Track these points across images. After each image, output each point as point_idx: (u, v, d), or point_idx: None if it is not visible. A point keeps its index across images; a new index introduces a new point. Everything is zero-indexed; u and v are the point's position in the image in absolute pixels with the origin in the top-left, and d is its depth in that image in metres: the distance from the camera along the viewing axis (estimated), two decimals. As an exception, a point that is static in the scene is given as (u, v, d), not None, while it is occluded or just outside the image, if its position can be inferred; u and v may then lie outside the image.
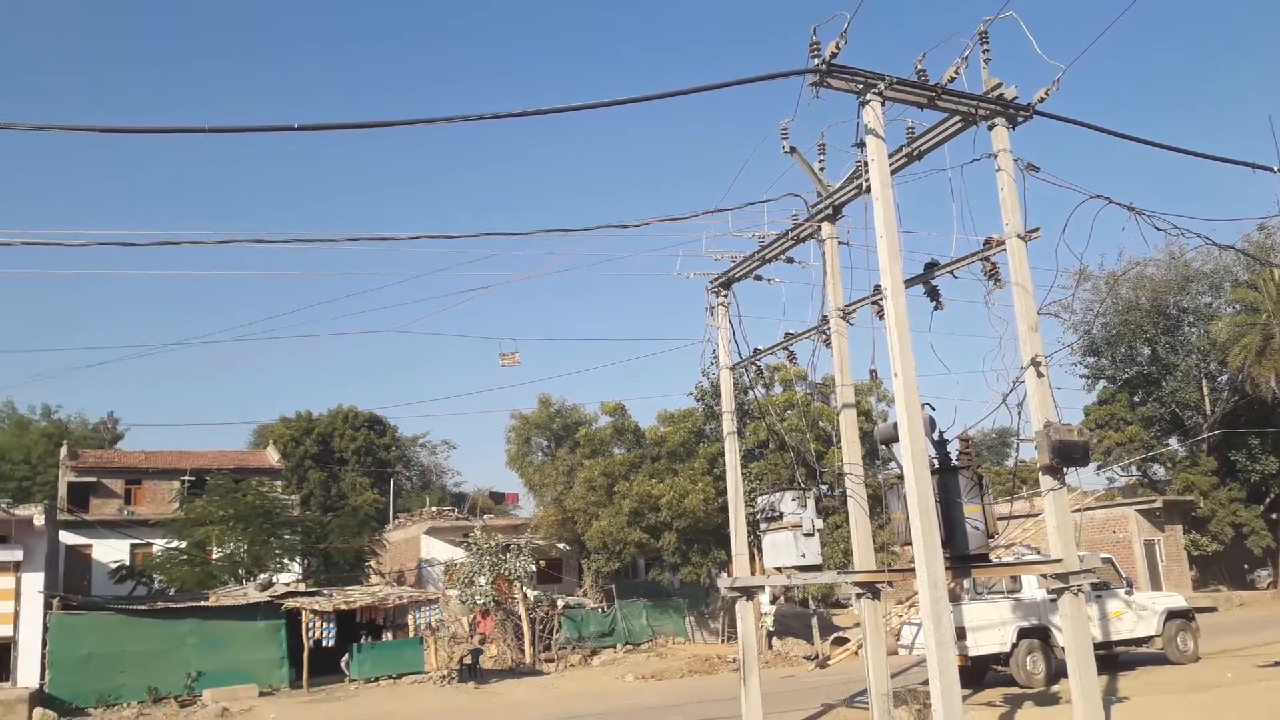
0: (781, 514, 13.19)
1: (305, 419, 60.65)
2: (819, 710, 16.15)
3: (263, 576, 28.81)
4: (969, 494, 11.36)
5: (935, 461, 11.49)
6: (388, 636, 26.64)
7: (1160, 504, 37.51)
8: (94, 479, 42.40)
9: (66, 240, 13.08)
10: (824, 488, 27.13)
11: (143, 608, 24.19)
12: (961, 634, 16.73)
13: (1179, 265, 41.39)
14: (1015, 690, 16.89)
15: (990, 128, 11.34)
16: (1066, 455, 10.82)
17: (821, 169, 13.35)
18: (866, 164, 10.69)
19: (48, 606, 22.28)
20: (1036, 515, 32.34)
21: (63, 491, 41.54)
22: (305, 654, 24.17)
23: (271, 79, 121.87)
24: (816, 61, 9.97)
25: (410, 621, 26.32)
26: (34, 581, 22.20)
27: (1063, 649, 12.12)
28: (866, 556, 13.06)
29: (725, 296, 15.96)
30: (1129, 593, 19.44)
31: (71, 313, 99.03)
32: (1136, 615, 19.02)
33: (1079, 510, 35.59)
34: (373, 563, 41.13)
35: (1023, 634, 17.81)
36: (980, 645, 17.56)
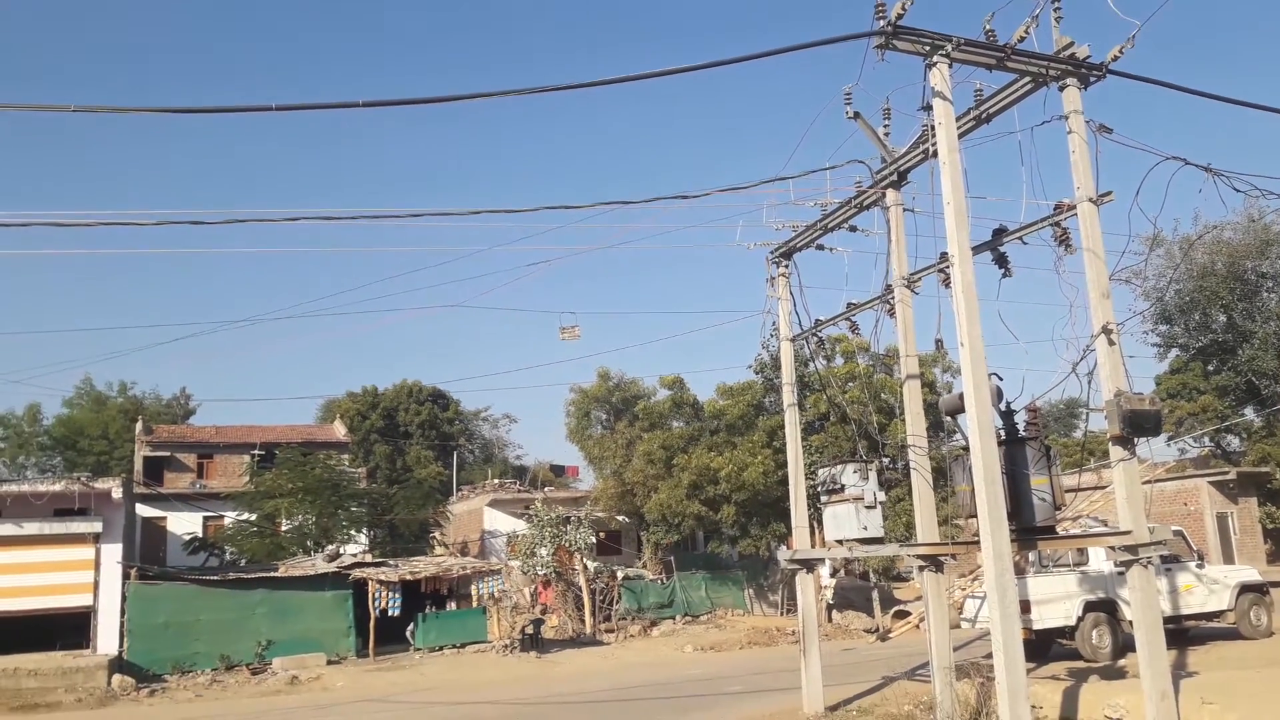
0: (843, 486, 13.09)
1: (371, 394, 61.69)
2: (880, 682, 16.06)
3: (330, 547, 29.33)
4: (1036, 465, 11.15)
5: (1002, 432, 11.28)
6: (452, 606, 27.06)
7: (1234, 475, 36.42)
8: (168, 453, 43.59)
9: (140, 220, 13.42)
10: (886, 460, 26.87)
11: (215, 578, 24.81)
12: (1026, 607, 16.49)
13: (1258, 228, 39.95)
14: (1080, 664, 16.61)
15: (1061, 89, 11.00)
16: (1137, 425, 10.53)
17: (886, 134, 13.08)
18: (933, 128, 10.44)
19: (125, 577, 22.94)
20: (1104, 487, 31.66)
21: (138, 465, 42.81)
22: (371, 623, 24.62)
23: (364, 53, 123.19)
24: (882, 23, 9.76)
25: (474, 592, 26.68)
26: (112, 552, 22.88)
27: (1130, 623, 11.88)
28: (930, 529, 12.90)
29: (786, 267, 15.77)
30: (1200, 566, 18.96)
31: (144, 291, 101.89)
32: (1208, 589, 18.55)
33: (1149, 482, 34.58)
34: (437, 534, 41.82)
35: (1089, 607, 17.50)
36: (1045, 618, 17.32)
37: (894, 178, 13.35)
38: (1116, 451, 10.79)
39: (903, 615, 28.19)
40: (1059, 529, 12.75)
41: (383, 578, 25.24)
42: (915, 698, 13.59)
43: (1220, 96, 11.66)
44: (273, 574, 25.49)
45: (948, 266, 10.65)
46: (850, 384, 29.41)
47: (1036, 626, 17.03)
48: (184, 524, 36.50)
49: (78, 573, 22.54)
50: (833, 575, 32.00)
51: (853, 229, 14.80)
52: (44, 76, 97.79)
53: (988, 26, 10.51)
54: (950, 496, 16.45)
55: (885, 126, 12.99)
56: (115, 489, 22.76)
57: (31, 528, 22.13)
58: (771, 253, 15.81)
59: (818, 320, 15.71)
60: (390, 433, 60.10)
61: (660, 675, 20.81)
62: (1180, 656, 15.58)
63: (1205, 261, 41.10)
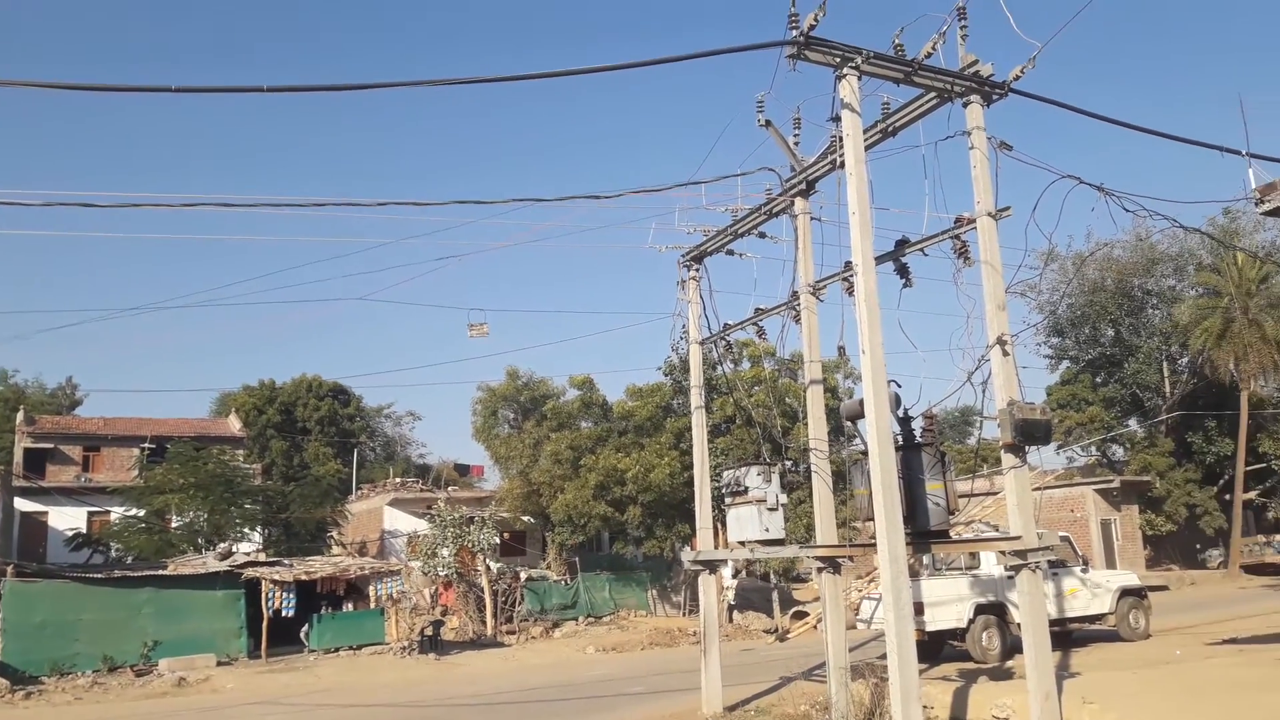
0: (746, 488, 13.22)
1: (268, 387, 59.87)
2: (778, 683, 16.25)
3: (222, 546, 28.54)
4: (931, 471, 11.43)
5: (899, 438, 11.53)
6: (349, 607, 26.47)
7: (1118, 484, 38.12)
8: (51, 445, 41.74)
9: (26, 200, 12.77)
10: (789, 463, 27.29)
11: (99, 576, 23.85)
12: (919, 609, 16.88)
13: (1145, 247, 41.93)
14: (971, 665, 17.08)
15: (965, 105, 11.29)
16: (1029, 434, 10.89)
17: (796, 143, 13.26)
18: (841, 139, 10.60)
19: (1, 574, 21.89)
20: (996, 493, 32.80)
21: (18, 458, 40.80)
22: (264, 624, 23.96)
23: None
24: (795, 33, 9.86)
25: (372, 593, 26.17)
26: (-13, 548, 21.82)
27: (1018, 625, 12.26)
28: (829, 531, 13.11)
29: (697, 270, 15.87)
30: (1084, 571, 19.69)
31: (30, 274, 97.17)
32: (1091, 593, 19.29)
33: (1038, 489, 36.04)
34: (335, 533, 40.92)
35: (980, 610, 18.02)
36: (938, 620, 17.75)
37: (803, 187, 13.52)
38: (1008, 459, 11.13)
39: (801, 616, 28.64)
40: (952, 533, 13.09)
41: (277, 577, 24.59)
42: (811, 698, 13.78)
43: (1112, 119, 12.12)
44: (161, 572, 24.58)
45: (852, 275, 10.83)
46: (756, 388, 29.79)
47: (929, 628, 17.42)
48: (67, 519, 35.07)
49: (-53, 570, 21.40)
50: (735, 576, 32.35)
51: (762, 235, 15.01)
52: None
53: (897, 41, 10.71)
54: (849, 499, 16.76)
55: (796, 136, 13.18)
56: (-9, 482, 21.69)
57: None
58: (683, 256, 15.88)
59: (726, 324, 15.85)
60: (288, 428, 58.44)
61: (561, 676, 20.71)
62: (1064, 658, 16.19)
63: (1096, 278, 42.94)
